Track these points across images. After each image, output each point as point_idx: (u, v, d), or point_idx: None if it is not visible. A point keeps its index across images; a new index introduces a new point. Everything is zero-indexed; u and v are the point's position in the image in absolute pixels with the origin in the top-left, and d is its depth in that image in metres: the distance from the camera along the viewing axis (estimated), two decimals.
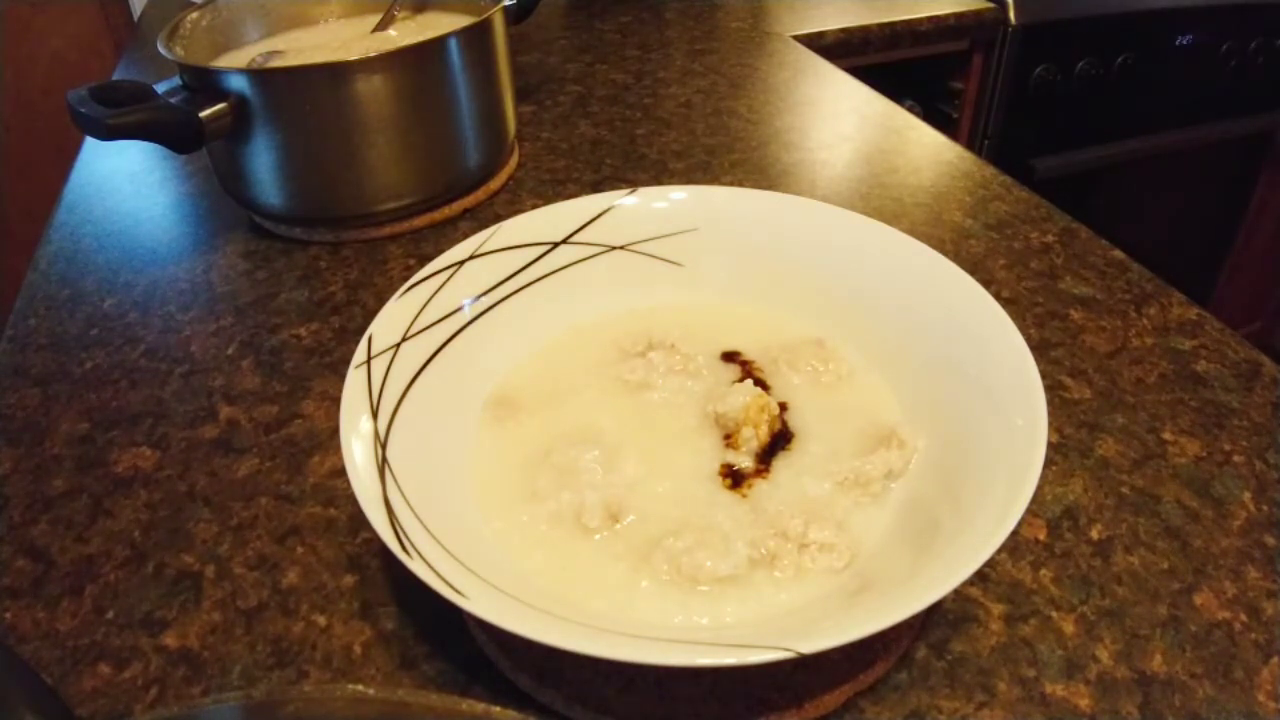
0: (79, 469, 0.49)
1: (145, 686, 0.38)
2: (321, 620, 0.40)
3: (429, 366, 0.42)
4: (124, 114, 0.58)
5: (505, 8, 0.72)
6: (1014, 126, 1.29)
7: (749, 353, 0.47)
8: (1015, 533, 0.38)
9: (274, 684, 0.38)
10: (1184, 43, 1.35)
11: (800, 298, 0.49)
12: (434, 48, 0.65)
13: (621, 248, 0.50)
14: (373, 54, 0.62)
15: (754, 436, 0.41)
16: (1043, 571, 0.42)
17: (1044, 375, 0.37)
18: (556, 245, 0.48)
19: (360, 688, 0.28)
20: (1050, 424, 0.42)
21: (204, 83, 0.62)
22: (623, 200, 0.50)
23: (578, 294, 0.49)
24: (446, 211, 0.71)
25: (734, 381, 0.45)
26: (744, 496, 0.39)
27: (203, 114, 0.61)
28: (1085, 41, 1.28)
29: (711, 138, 0.83)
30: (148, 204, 0.75)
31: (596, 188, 0.75)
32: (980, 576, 0.41)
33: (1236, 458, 0.48)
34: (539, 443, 0.42)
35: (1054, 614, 0.40)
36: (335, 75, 0.62)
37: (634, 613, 0.35)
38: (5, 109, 1.54)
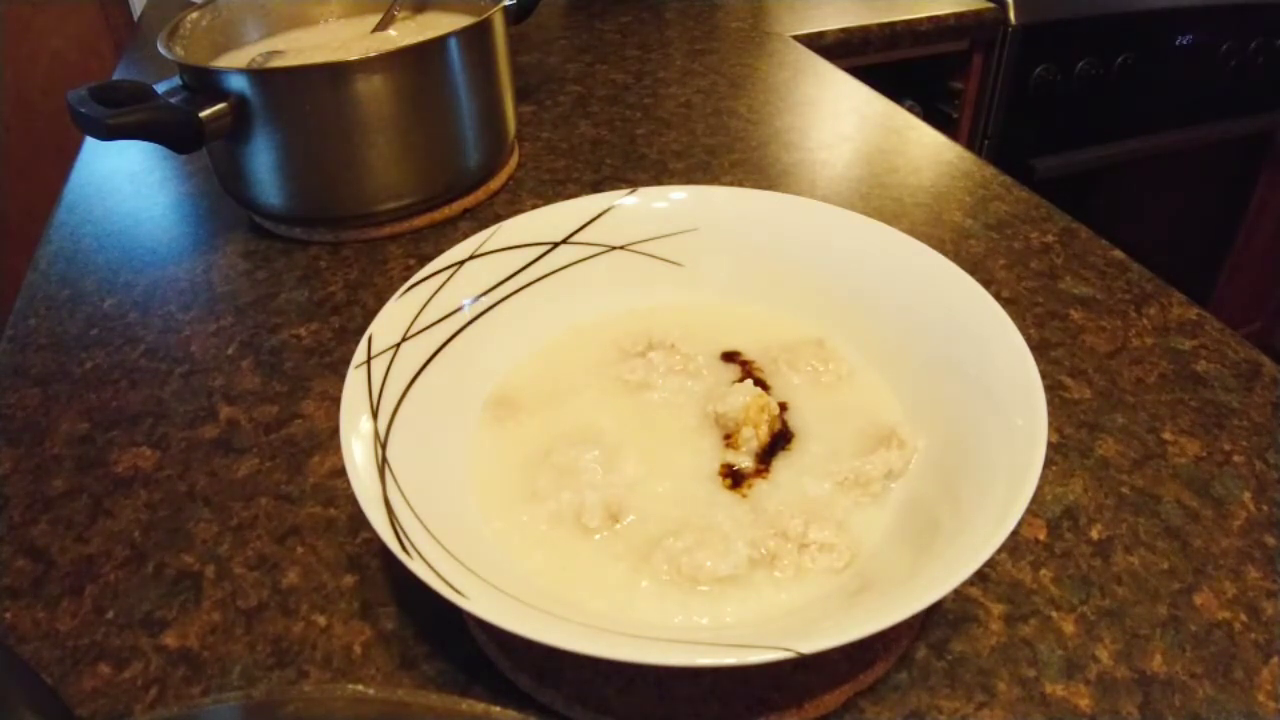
0: (79, 469, 0.49)
1: (145, 686, 0.38)
2: (321, 620, 0.40)
3: (429, 366, 0.42)
4: (124, 114, 0.58)
5: (505, 8, 0.72)
6: (1014, 126, 1.29)
7: (749, 353, 0.47)
8: (1015, 533, 0.38)
9: (274, 684, 0.38)
10: (1184, 43, 1.35)
11: (800, 298, 0.49)
12: (434, 48, 0.65)
13: (621, 248, 0.50)
14: (373, 54, 0.62)
15: (754, 436, 0.41)
16: (1043, 571, 0.42)
17: (1044, 375, 0.37)
18: (556, 245, 0.48)
19: (360, 688, 0.28)
20: (1050, 424, 0.42)
21: (204, 83, 0.62)
22: (623, 200, 0.50)
23: (578, 294, 0.49)
24: (446, 211, 0.71)
25: (734, 381, 0.45)
26: (744, 496, 0.39)
27: (203, 114, 0.61)
28: (1085, 41, 1.28)
29: (711, 138, 0.83)
30: (148, 204, 0.75)
31: (596, 188, 0.75)
32: (980, 576, 0.41)
33: (1236, 458, 0.48)
34: (539, 443, 0.42)
35: (1054, 614, 0.40)
36: (335, 75, 0.62)
37: (634, 613, 0.35)
38: (5, 109, 1.54)
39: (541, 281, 0.48)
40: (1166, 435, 0.49)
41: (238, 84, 0.61)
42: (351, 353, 0.39)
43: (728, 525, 0.38)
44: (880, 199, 0.72)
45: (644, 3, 1.21)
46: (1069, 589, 0.41)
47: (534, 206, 0.56)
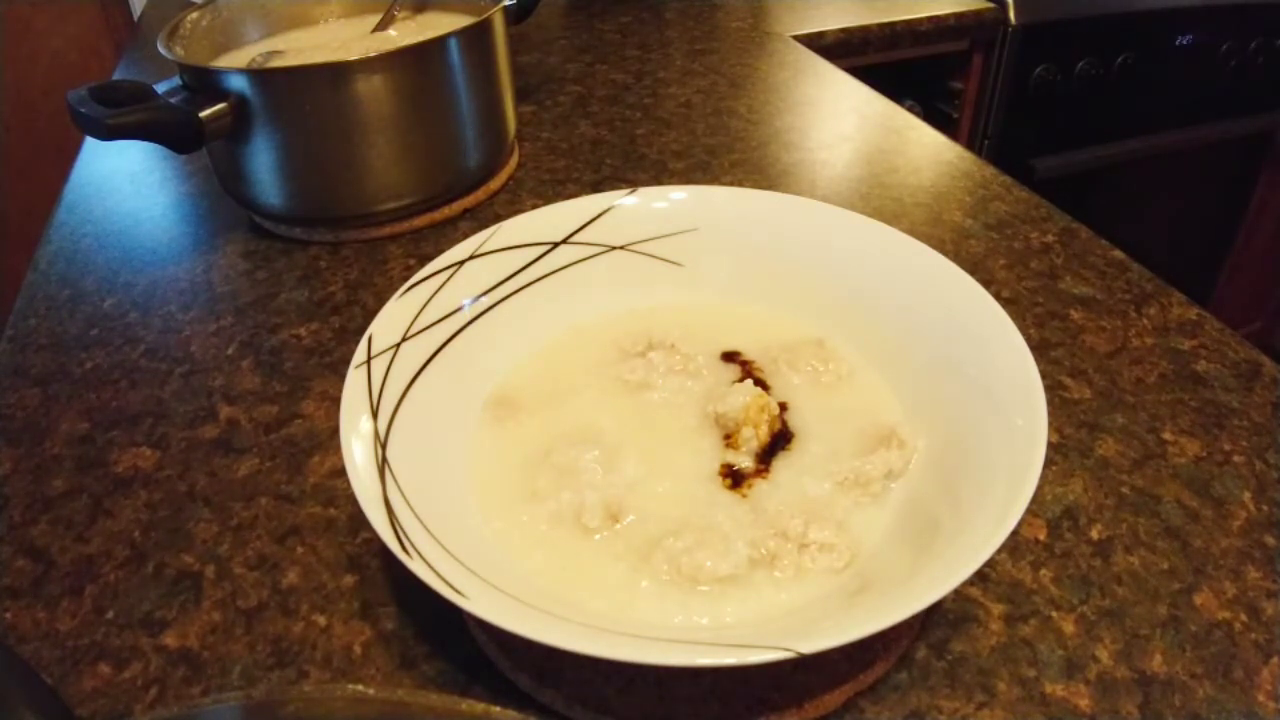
0: (79, 469, 0.49)
1: (145, 686, 0.38)
2: (321, 620, 0.40)
3: (429, 366, 0.42)
4: (124, 114, 0.58)
5: (505, 8, 0.72)
6: (1014, 126, 1.29)
7: (749, 353, 0.47)
8: (1015, 533, 0.38)
9: (274, 684, 0.38)
10: (1184, 43, 1.35)
11: (800, 298, 0.49)
12: (434, 48, 0.65)
13: (621, 248, 0.50)
14: (373, 54, 0.62)
15: (754, 436, 0.41)
16: (1043, 571, 0.42)
17: (1044, 375, 0.37)
18: (556, 245, 0.48)
19: (360, 688, 0.28)
20: (1050, 424, 0.42)
21: (204, 83, 0.62)
22: (623, 200, 0.50)
23: (578, 294, 0.49)
24: (446, 211, 0.71)
25: (734, 381, 0.45)
26: (744, 496, 0.39)
27: (203, 114, 0.61)
28: (1085, 41, 1.28)
29: (711, 138, 0.83)
30: (148, 204, 0.75)
31: (596, 188, 0.75)
32: (980, 576, 0.41)
33: (1236, 458, 0.48)
34: (539, 443, 0.42)
35: (1054, 614, 0.40)
36: (335, 75, 0.62)
37: (634, 613, 0.35)
38: (5, 109, 1.54)
39: (541, 281, 0.48)
40: (1166, 435, 0.49)
41: (238, 84, 0.61)
42: (351, 353, 0.39)
43: (728, 525, 0.38)
44: (880, 199, 0.72)
45: (644, 3, 1.21)
46: (1069, 589, 0.41)
47: (534, 206, 0.56)
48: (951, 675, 0.37)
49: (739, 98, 0.91)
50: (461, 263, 0.46)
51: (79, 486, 0.48)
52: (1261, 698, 0.36)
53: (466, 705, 0.26)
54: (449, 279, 0.45)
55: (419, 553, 0.32)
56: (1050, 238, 0.66)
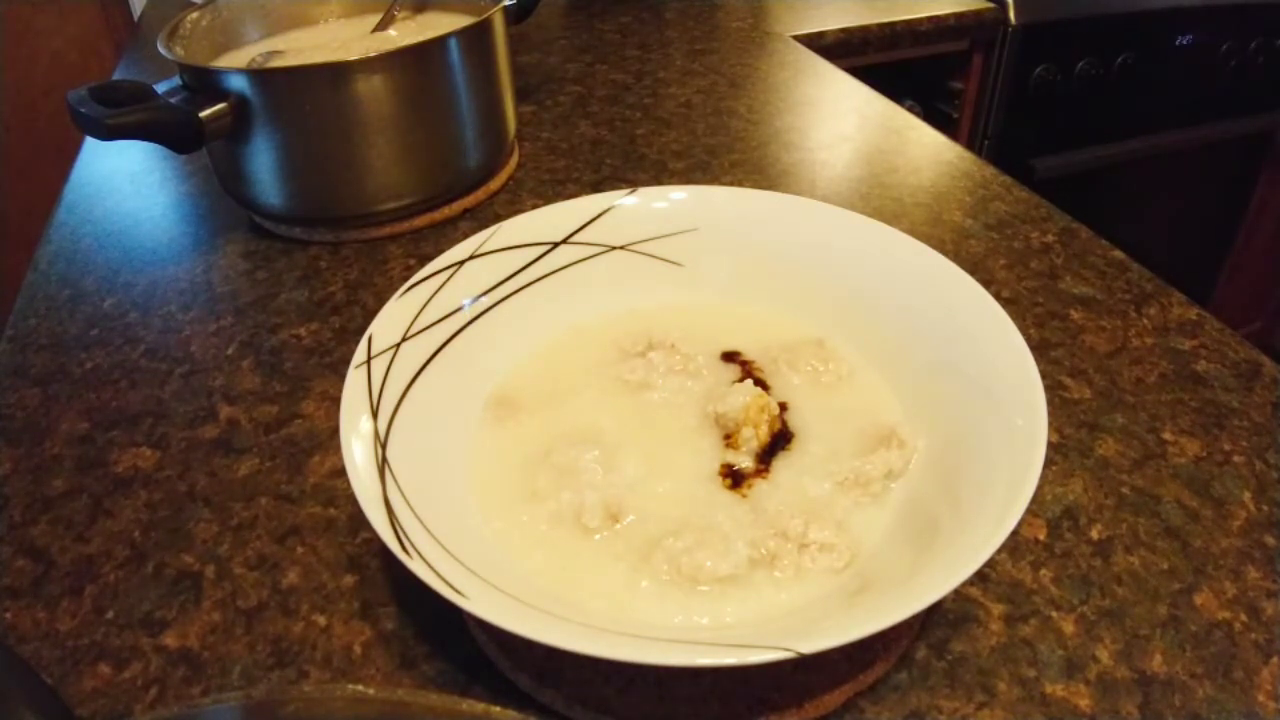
0: (79, 469, 0.49)
1: (145, 686, 0.38)
2: (321, 620, 0.40)
3: (429, 366, 0.42)
4: (124, 114, 0.58)
5: (505, 8, 0.72)
6: (1014, 126, 1.29)
7: (749, 353, 0.47)
8: (1015, 533, 0.38)
9: (274, 684, 0.38)
10: (1184, 43, 1.35)
11: (800, 298, 0.49)
12: (434, 48, 0.65)
13: (621, 248, 0.50)
14: (373, 54, 0.62)
15: (754, 436, 0.41)
16: (1043, 571, 0.42)
17: (1044, 375, 0.37)
18: (556, 245, 0.48)
19: (360, 688, 0.28)
20: (1050, 424, 0.42)
21: (204, 83, 0.62)
22: (623, 200, 0.50)
23: (578, 294, 0.49)
24: (446, 211, 0.71)
25: (734, 381, 0.45)
26: (744, 496, 0.39)
27: (203, 114, 0.61)
28: (1085, 41, 1.28)
29: (711, 138, 0.83)
30: (148, 204, 0.75)
31: (596, 188, 0.75)
32: (980, 576, 0.41)
33: (1236, 458, 0.48)
34: (539, 443, 0.42)
35: (1054, 614, 0.40)
36: (335, 75, 0.62)
37: (634, 613, 0.35)
38: (5, 109, 1.54)
39: (541, 281, 0.48)
40: (1166, 435, 0.49)
41: (238, 84, 0.61)
42: (351, 353, 0.39)
43: (728, 525, 0.38)
44: (880, 199, 0.72)
45: (644, 3, 1.21)
46: (1069, 589, 0.41)
47: (534, 206, 0.56)
48: (951, 675, 0.37)
49: (739, 98, 0.91)
50: (461, 263, 0.46)
51: (79, 486, 0.48)
52: (1261, 698, 0.36)
53: (466, 705, 0.26)
54: (449, 279, 0.45)
55: (419, 553, 0.32)
56: (1050, 238, 0.66)
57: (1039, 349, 0.55)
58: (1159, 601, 0.40)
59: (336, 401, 0.41)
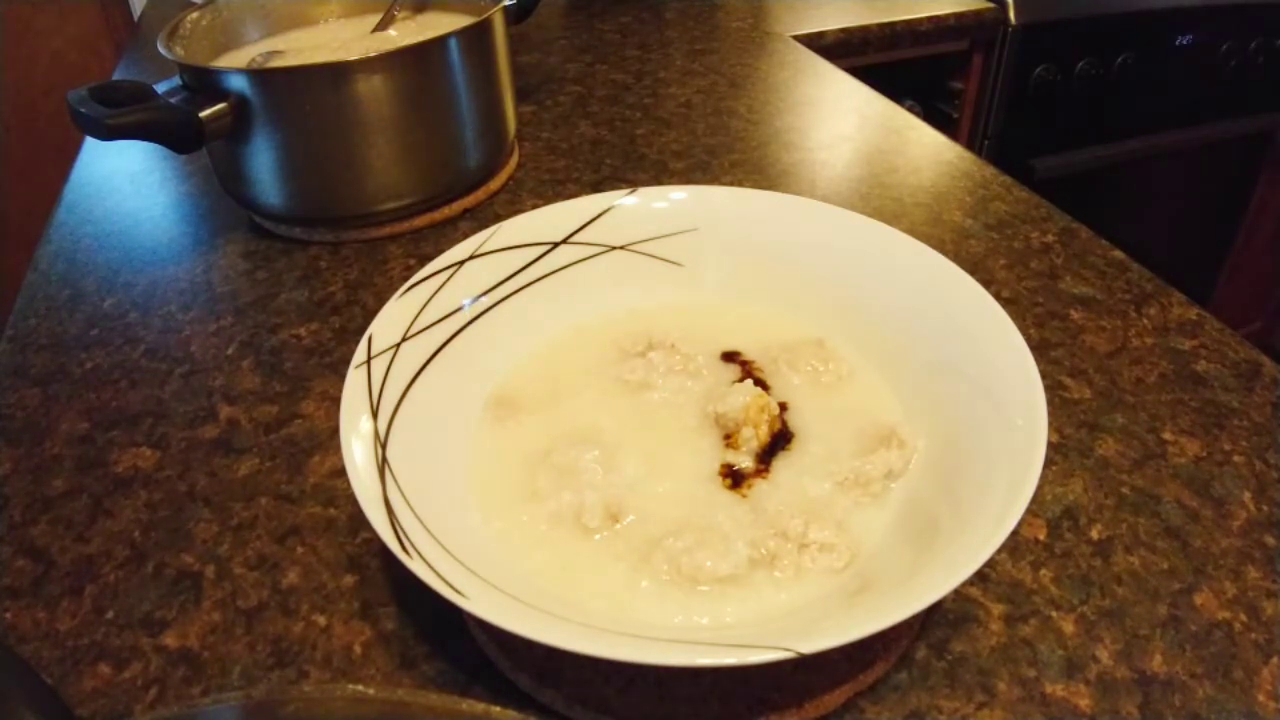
0: (79, 469, 0.49)
1: (145, 686, 0.38)
2: (321, 620, 0.40)
3: (429, 366, 0.42)
4: (124, 114, 0.58)
5: (505, 8, 0.72)
6: (1014, 126, 1.29)
7: (749, 353, 0.47)
8: (1015, 533, 0.38)
9: (274, 684, 0.38)
10: (1184, 43, 1.35)
11: (800, 298, 0.49)
12: (434, 48, 0.65)
13: (621, 248, 0.50)
14: (373, 54, 0.62)
15: (754, 436, 0.41)
16: (1043, 571, 0.42)
17: (1044, 375, 0.37)
18: (556, 245, 0.48)
19: (360, 688, 0.28)
20: (1050, 424, 0.42)
21: (204, 83, 0.62)
22: (623, 200, 0.50)
23: (578, 294, 0.49)
24: (446, 211, 0.71)
25: (734, 381, 0.45)
26: (744, 496, 0.39)
27: (203, 114, 0.61)
28: (1085, 41, 1.28)
29: (711, 138, 0.83)
30: (148, 204, 0.75)
31: (596, 188, 0.74)
32: (980, 576, 0.41)
33: (1236, 458, 0.48)
34: (539, 443, 0.42)
35: (1054, 614, 0.40)
36: (335, 75, 0.62)
37: (634, 613, 0.35)
38: (5, 109, 1.54)
39: (541, 281, 0.48)
40: (1166, 435, 0.49)
41: (238, 84, 0.61)
42: (351, 353, 0.39)
43: (728, 525, 0.38)
44: (880, 199, 0.72)
45: (644, 3, 1.21)
46: (1069, 589, 0.41)
47: (534, 206, 0.56)
48: (951, 675, 0.37)
49: (739, 98, 0.91)
50: (461, 263, 0.46)
51: (79, 486, 0.48)
52: (1261, 698, 0.36)
53: (466, 705, 0.26)
54: (449, 279, 0.45)
55: (419, 553, 0.32)
56: (1050, 238, 0.66)
57: (1039, 349, 0.55)
58: (1159, 601, 0.40)
59: (336, 401, 0.41)
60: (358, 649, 0.39)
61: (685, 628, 0.35)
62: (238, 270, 0.66)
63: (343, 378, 0.39)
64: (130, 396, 0.54)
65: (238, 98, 0.62)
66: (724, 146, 0.81)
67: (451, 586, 0.30)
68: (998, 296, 0.44)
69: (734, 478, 0.40)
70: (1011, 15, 1.20)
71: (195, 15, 0.71)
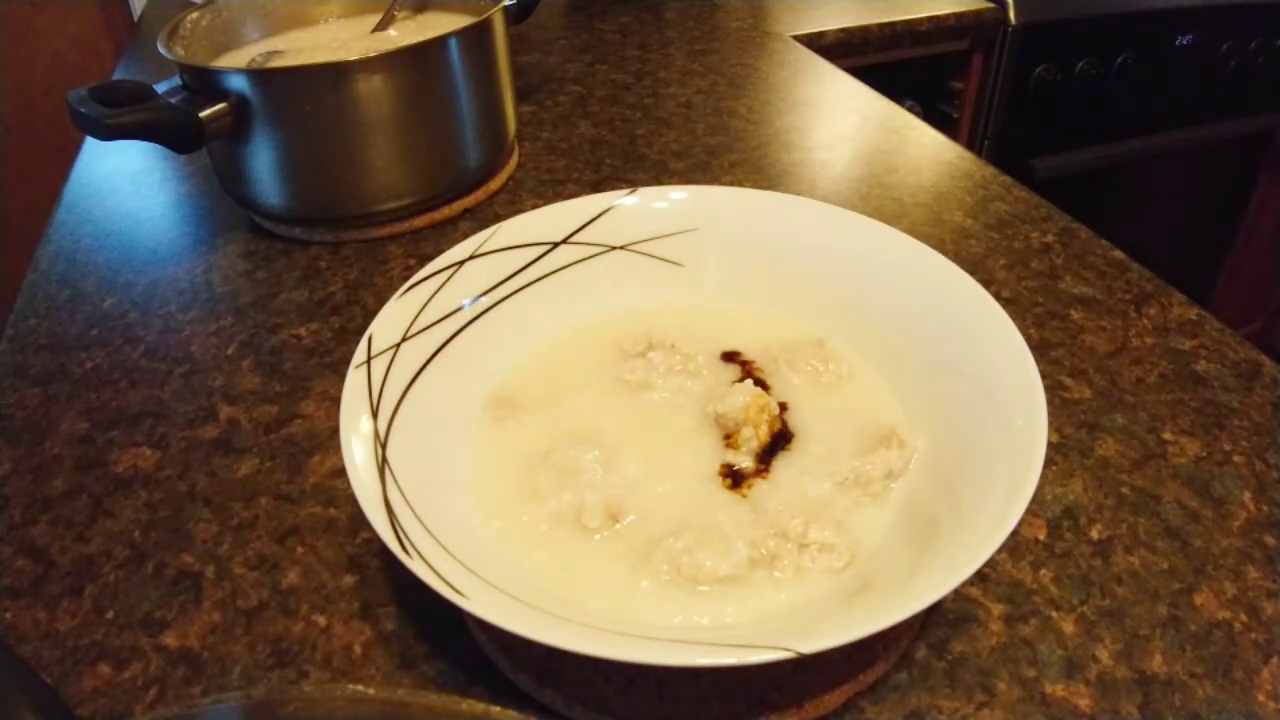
0: (79, 469, 0.49)
1: (145, 686, 0.38)
2: (321, 620, 0.40)
3: (429, 366, 0.42)
4: (124, 114, 0.58)
5: (505, 8, 0.72)
6: (1014, 126, 1.29)
7: (749, 353, 0.47)
8: (1015, 533, 0.38)
9: (274, 684, 0.38)
10: (1184, 43, 1.35)
11: (800, 298, 0.49)
12: (434, 48, 0.65)
13: (621, 248, 0.50)
14: (373, 54, 0.62)
15: (754, 436, 0.41)
16: (1043, 571, 0.42)
17: (1044, 375, 0.37)
18: (556, 245, 0.48)
19: (360, 688, 0.28)
20: (1050, 424, 0.42)
21: (204, 83, 0.62)
22: (623, 200, 0.50)
23: (578, 294, 0.49)
24: (446, 211, 0.71)
25: (734, 381, 0.45)
26: (744, 496, 0.39)
27: (203, 114, 0.61)
28: (1085, 41, 1.28)
29: (711, 138, 0.83)
30: (148, 204, 0.75)
31: (596, 188, 0.74)
32: (980, 576, 0.41)
33: (1236, 458, 0.48)
34: (539, 443, 0.42)
35: (1054, 614, 0.40)
36: (335, 75, 0.62)
37: (634, 613, 0.35)
38: (5, 109, 1.54)
39: (541, 281, 0.48)
40: (1166, 435, 0.49)
41: (238, 84, 0.61)
42: (351, 353, 0.39)
43: (728, 525, 0.38)
44: (880, 199, 0.72)
45: (644, 3, 1.21)
46: (1069, 589, 0.41)
47: (534, 206, 0.56)
48: (951, 675, 0.37)
49: (739, 98, 0.91)
50: (461, 263, 0.46)
51: (79, 486, 0.48)
52: (1261, 698, 0.36)
53: (466, 705, 0.26)
54: (449, 279, 0.45)
55: (419, 553, 0.32)
56: (1050, 238, 0.66)
57: (1039, 349, 0.55)
58: (1159, 601, 0.40)
59: (336, 401, 0.41)
60: (358, 649, 0.39)
61: (685, 628, 0.35)
62: (238, 270, 0.66)
63: (343, 378, 0.39)
64: (130, 396, 0.54)
65: (238, 98, 0.62)
66: (724, 146, 0.81)
67: (451, 586, 0.30)
68: (998, 296, 0.44)
69: (734, 478, 0.40)
70: (1011, 15, 1.20)
71: (195, 15, 0.71)
